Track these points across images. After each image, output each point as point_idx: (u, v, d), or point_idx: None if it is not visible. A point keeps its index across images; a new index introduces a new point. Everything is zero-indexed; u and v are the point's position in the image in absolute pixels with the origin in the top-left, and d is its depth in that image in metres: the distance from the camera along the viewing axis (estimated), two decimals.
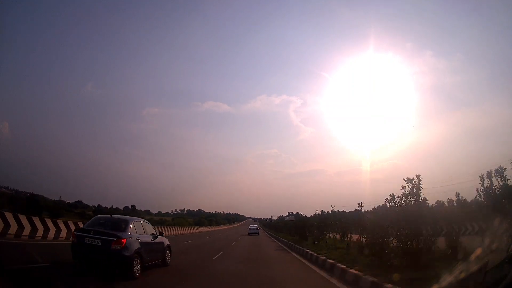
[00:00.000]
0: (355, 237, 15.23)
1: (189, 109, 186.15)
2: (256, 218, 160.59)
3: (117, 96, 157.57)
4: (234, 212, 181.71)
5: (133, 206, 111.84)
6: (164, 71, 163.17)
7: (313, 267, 11.82)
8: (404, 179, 8.30)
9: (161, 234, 10.85)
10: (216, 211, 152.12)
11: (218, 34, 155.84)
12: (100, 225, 8.78)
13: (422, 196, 8.18)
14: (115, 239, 7.97)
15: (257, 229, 47.38)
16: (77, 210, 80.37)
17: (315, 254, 13.48)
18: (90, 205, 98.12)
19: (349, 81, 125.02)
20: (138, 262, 8.40)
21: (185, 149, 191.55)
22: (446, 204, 10.87)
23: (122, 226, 8.73)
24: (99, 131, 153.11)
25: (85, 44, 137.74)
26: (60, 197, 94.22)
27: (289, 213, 58.11)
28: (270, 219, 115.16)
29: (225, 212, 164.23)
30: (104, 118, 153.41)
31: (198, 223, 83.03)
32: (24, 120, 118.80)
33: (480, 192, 7.83)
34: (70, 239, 10.62)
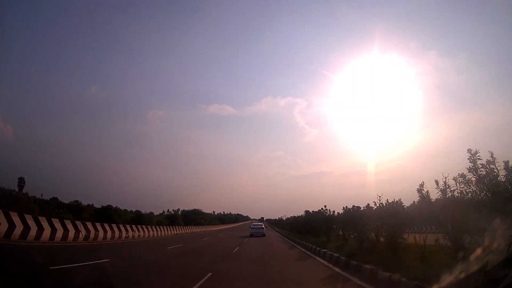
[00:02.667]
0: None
1: (194, 112, 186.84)
2: (263, 218, 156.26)
3: (122, 98, 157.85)
4: (236, 213, 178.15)
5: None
6: (169, 73, 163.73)
7: None
8: None
9: None
10: (214, 212, 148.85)
11: (222, 35, 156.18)
12: None
13: None
14: None
15: (262, 228, 39.19)
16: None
17: None
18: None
19: (353, 82, 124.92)
20: None
21: (190, 152, 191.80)
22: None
23: None
24: (103, 133, 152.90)
25: (88, 47, 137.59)
26: (41, 194, 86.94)
27: (306, 211, 49.77)
28: (290, 217, 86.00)
29: (226, 213, 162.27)
30: (109, 121, 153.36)
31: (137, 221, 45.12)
32: (27, 123, 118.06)
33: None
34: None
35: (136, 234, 27.47)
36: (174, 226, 44.16)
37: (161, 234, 34.60)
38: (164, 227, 39.08)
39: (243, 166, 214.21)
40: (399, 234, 11.14)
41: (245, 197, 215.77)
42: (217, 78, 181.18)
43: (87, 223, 20.45)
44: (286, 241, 28.94)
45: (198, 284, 7.61)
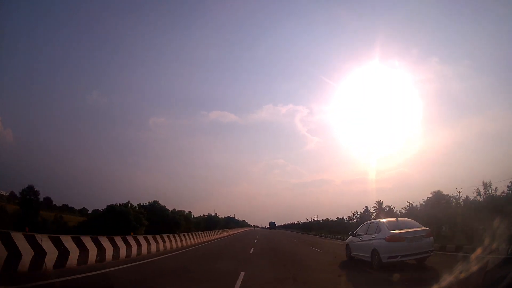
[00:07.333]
0: None
1: (195, 118, 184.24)
2: (274, 222, 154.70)
3: (123, 104, 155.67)
4: (227, 215, 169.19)
5: None
6: (169, 79, 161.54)
7: None
8: None
9: None
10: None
11: (224, 42, 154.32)
12: None
13: None
14: None
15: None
16: None
17: None
18: None
19: (355, 90, 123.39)
20: None
21: (190, 158, 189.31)
22: None
23: None
24: (103, 138, 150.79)
25: (90, 51, 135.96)
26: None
27: (327, 218, 47.02)
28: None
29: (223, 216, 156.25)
30: (109, 126, 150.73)
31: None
32: (28, 127, 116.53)
33: None
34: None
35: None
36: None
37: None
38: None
39: (244, 173, 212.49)
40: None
41: (245, 204, 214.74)
42: (218, 84, 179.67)
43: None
44: None
45: None
